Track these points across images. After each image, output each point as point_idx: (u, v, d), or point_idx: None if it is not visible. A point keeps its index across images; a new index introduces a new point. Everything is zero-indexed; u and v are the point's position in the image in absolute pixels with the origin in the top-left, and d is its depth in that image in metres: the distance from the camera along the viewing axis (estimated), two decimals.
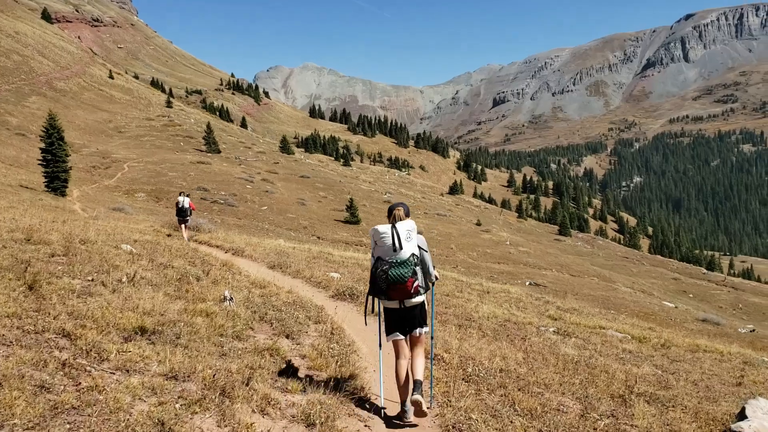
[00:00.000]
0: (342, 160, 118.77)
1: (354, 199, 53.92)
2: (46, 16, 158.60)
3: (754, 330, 31.59)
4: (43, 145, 34.29)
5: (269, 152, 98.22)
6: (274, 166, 79.49)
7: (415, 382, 5.00)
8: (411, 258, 5.03)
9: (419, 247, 5.18)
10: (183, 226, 17.20)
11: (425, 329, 5.23)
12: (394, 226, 5.07)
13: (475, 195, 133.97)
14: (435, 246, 46.60)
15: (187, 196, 17.70)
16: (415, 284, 5.05)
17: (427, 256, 5.25)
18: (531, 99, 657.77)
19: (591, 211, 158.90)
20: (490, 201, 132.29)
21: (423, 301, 5.23)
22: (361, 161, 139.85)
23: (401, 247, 5.01)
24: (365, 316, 5.57)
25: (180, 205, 17.19)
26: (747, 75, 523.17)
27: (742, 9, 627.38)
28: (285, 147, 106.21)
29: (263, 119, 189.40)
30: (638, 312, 32.90)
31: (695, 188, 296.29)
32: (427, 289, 5.27)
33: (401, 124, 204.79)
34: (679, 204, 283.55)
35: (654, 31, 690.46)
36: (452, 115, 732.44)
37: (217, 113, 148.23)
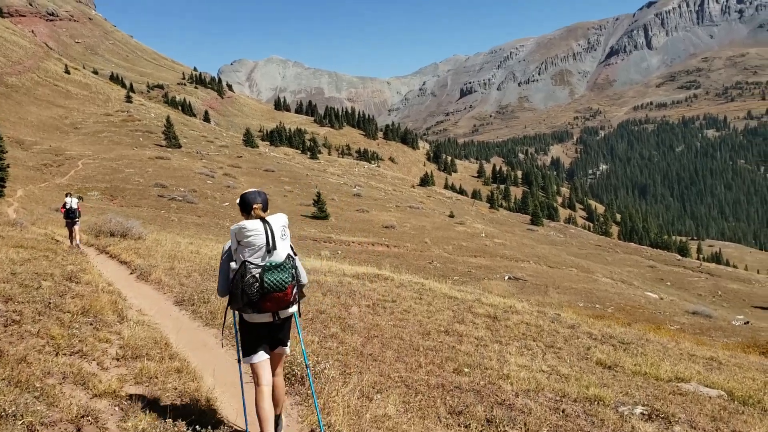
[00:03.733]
0: (309, 153, 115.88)
1: (321, 193, 51.51)
2: None
3: (748, 322, 30.10)
4: None
5: (232, 146, 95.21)
6: (237, 160, 76.71)
7: (277, 417, 4.26)
8: (287, 260, 4.16)
9: (291, 246, 4.32)
10: (74, 229, 15.50)
11: (288, 348, 4.40)
12: (266, 221, 4.13)
13: (446, 186, 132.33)
14: (409, 240, 44.51)
15: (80, 198, 15.93)
16: (294, 291, 4.18)
17: (298, 259, 4.34)
18: (497, 89, 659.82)
19: (560, 199, 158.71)
20: (461, 192, 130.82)
21: (296, 311, 4.39)
22: (329, 154, 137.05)
23: (275, 247, 4.11)
24: (222, 333, 4.87)
25: (68, 207, 15.65)
26: (709, 61, 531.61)
27: None
28: (249, 140, 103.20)
29: (227, 113, 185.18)
30: (625, 306, 31.24)
31: (661, 174, 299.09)
32: (302, 296, 4.40)
33: (369, 116, 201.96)
34: (645, 190, 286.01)
35: (617, 19, 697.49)
36: (420, 106, 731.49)
37: (180, 107, 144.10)
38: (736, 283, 62.44)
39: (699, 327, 28.39)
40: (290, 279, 4.12)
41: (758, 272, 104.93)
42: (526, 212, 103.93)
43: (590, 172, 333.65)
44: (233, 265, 4.16)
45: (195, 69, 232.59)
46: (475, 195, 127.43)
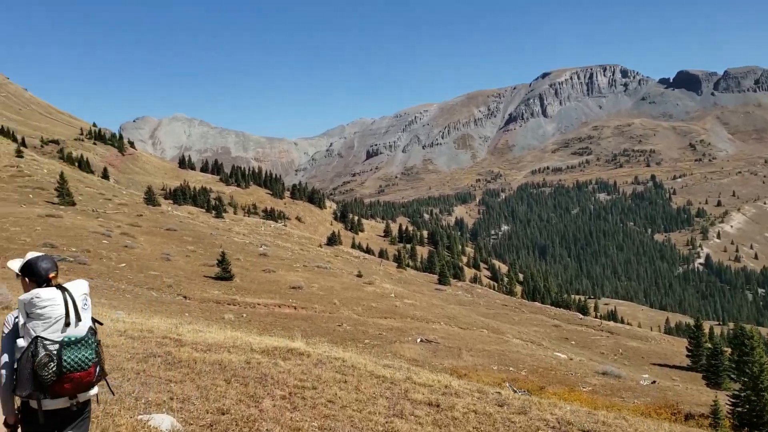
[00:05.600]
0: (214, 212, 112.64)
1: (226, 253, 49.35)
2: None
3: (655, 381, 30.50)
4: None
5: (132, 204, 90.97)
6: (137, 219, 73.05)
7: None
8: (89, 334, 3.60)
9: (93, 319, 3.76)
10: None
11: None
12: (64, 289, 3.56)
13: (353, 245, 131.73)
14: (317, 302, 43.02)
15: None
16: (97, 370, 3.61)
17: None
18: (403, 151, 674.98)
19: (465, 259, 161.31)
20: (368, 251, 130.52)
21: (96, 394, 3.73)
22: (235, 213, 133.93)
23: (79, 319, 3.55)
24: None
25: None
26: (599, 129, 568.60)
27: (591, 69, 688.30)
28: (151, 198, 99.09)
29: (128, 170, 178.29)
30: (538, 367, 30.97)
31: (558, 235, 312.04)
32: (105, 374, 3.73)
33: (276, 175, 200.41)
34: (545, 250, 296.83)
35: (514, 88, 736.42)
36: (327, 167, 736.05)
37: (76, 164, 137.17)
38: (634, 341, 64.52)
39: (610, 388, 28.42)
40: (94, 356, 3.55)
41: (651, 329, 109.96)
42: (433, 272, 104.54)
43: (493, 232, 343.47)
44: (21, 342, 3.45)
45: (94, 125, 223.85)
46: (382, 254, 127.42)
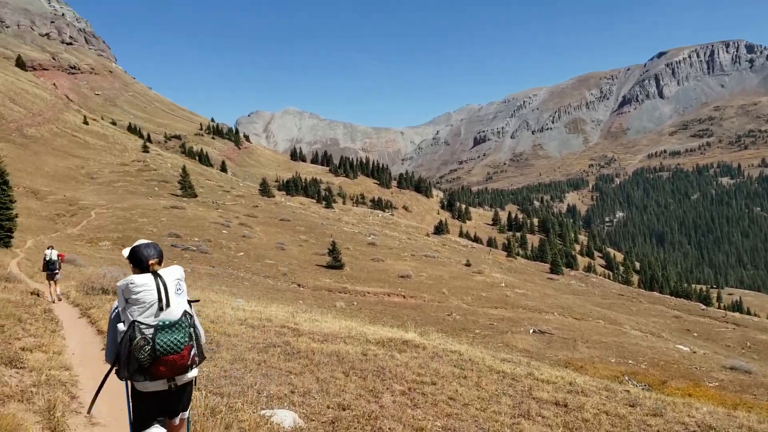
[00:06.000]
0: (324, 202, 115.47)
1: (337, 242, 50.36)
2: (20, 63, 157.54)
3: None
4: None
5: (248, 196, 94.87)
6: (253, 210, 76.10)
7: None
8: (184, 318, 3.69)
9: (189, 301, 3.83)
10: (52, 282, 14.89)
11: (188, 412, 3.88)
12: (157, 275, 3.69)
13: (460, 234, 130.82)
14: (426, 291, 43.02)
15: (51, 248, 15.85)
16: (192, 353, 3.70)
17: (196, 318, 3.86)
18: (511, 137, 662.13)
19: (577, 247, 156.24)
20: (477, 240, 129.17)
21: (196, 377, 3.83)
22: (344, 203, 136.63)
23: (169, 304, 3.65)
24: (93, 402, 3.85)
25: (47, 258, 15.25)
26: (721, 110, 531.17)
27: (712, 46, 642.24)
28: (265, 190, 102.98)
29: (243, 163, 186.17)
30: (659, 361, 29.41)
31: (677, 222, 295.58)
32: (203, 358, 3.85)
33: (383, 165, 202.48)
34: (663, 238, 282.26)
35: (628, 69, 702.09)
36: (433, 155, 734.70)
37: (197, 157, 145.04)
38: (764, 334, 59.95)
39: (739, 384, 26.55)
40: (187, 339, 3.63)
41: None
42: (545, 260, 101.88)
43: (607, 219, 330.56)
44: (121, 326, 3.63)
45: (212, 120, 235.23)
46: (491, 243, 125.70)
